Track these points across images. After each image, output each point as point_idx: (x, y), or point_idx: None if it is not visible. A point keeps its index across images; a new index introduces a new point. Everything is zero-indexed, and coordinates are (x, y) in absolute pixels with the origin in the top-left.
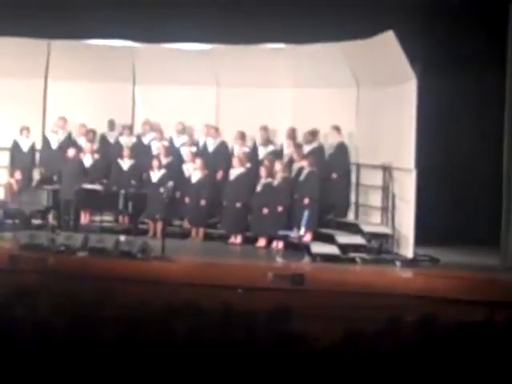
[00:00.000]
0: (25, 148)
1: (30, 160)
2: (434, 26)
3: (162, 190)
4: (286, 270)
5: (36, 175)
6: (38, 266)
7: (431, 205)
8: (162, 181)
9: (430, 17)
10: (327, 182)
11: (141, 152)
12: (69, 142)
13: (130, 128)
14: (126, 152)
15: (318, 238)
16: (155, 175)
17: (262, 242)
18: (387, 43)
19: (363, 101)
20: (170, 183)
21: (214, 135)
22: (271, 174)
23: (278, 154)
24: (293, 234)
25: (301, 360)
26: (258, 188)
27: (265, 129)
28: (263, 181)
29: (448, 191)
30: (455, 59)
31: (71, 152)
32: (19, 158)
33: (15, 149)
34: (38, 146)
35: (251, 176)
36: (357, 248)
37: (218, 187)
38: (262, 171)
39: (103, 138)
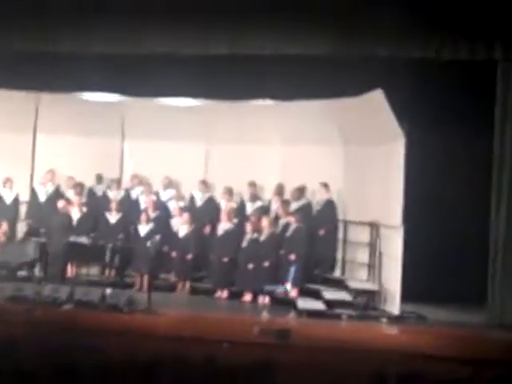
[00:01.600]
0: (8, 200)
1: (13, 212)
2: (422, 85)
3: (149, 243)
4: (271, 324)
5: (23, 227)
6: (24, 318)
7: (418, 262)
8: (150, 235)
9: (419, 76)
10: (314, 238)
11: (128, 206)
12: (57, 194)
13: (118, 182)
14: (113, 205)
15: (305, 293)
16: (143, 229)
17: (247, 297)
18: (375, 101)
19: (351, 158)
20: (157, 237)
21: (202, 190)
22: (258, 229)
23: (265, 210)
24: (279, 289)
25: None
26: (244, 243)
27: (252, 185)
28: (249, 236)
29: (435, 249)
30: (444, 119)
31: (61, 204)
32: (2, 210)
33: None
34: (23, 197)
35: (238, 231)
36: (343, 304)
37: (205, 241)
38: (249, 226)
39: (91, 192)
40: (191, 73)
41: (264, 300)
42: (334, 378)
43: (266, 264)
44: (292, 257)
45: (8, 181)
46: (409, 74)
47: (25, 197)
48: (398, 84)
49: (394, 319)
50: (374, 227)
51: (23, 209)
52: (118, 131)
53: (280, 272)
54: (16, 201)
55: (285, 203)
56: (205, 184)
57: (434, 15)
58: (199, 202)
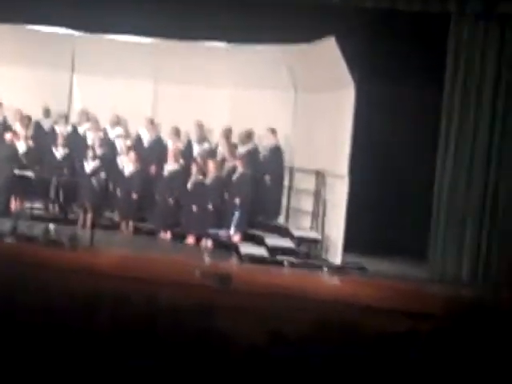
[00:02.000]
0: None
1: None
2: (375, 35)
3: (94, 180)
4: (213, 268)
5: None
6: None
7: (362, 213)
8: (95, 171)
9: (372, 25)
10: (260, 183)
11: (75, 141)
12: (4, 126)
13: (66, 117)
14: (60, 140)
15: (248, 238)
16: (88, 165)
17: (191, 239)
18: (328, 49)
19: (301, 105)
20: (103, 174)
21: (149, 129)
22: (203, 171)
23: (212, 153)
24: (222, 233)
25: (222, 358)
26: (189, 185)
27: (200, 126)
28: (194, 178)
29: (379, 201)
30: (394, 69)
31: (8, 136)
32: None
33: None
34: None
35: (184, 173)
36: (285, 251)
37: (150, 181)
38: (194, 168)
39: (38, 125)
40: (145, 10)
41: (207, 243)
42: (273, 324)
43: (211, 207)
44: (236, 201)
45: None
46: (362, 22)
47: None
48: (350, 32)
49: (335, 269)
50: (320, 175)
51: None
52: (67, 65)
53: (224, 216)
54: None
55: (232, 147)
56: (152, 123)
57: None
58: (146, 142)
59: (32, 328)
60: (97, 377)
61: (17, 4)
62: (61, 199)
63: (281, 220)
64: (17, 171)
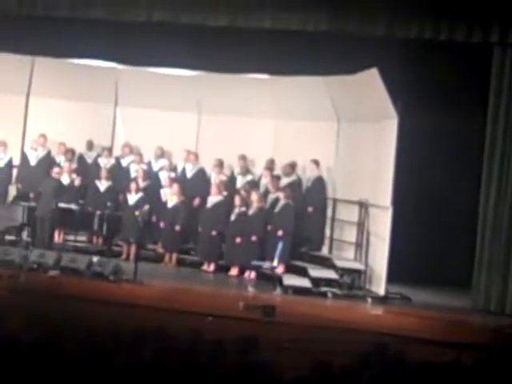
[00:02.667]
0: (1, 163)
1: (6, 175)
2: (417, 65)
3: (137, 213)
4: (257, 300)
5: (12, 191)
6: (10, 282)
7: (405, 243)
8: (139, 204)
9: (415, 56)
10: (303, 215)
11: (119, 174)
12: (48, 159)
13: (109, 150)
14: (103, 173)
15: (291, 270)
16: (132, 198)
17: (234, 271)
18: (370, 80)
19: (343, 135)
20: (146, 207)
21: (193, 161)
22: (247, 203)
23: (255, 184)
24: (266, 264)
25: None
26: (233, 217)
27: (243, 158)
28: (238, 210)
29: (423, 231)
30: (437, 99)
31: (56, 171)
32: None
33: None
34: (16, 161)
35: (228, 204)
36: (329, 282)
37: (194, 213)
38: (237, 200)
39: (81, 158)
40: (188, 43)
41: (250, 275)
42: (316, 356)
43: (254, 239)
44: (280, 233)
45: (2, 144)
46: (405, 53)
47: (16, 161)
48: (393, 63)
49: (379, 299)
50: (363, 206)
51: (14, 173)
52: (111, 98)
53: (267, 248)
54: (9, 164)
55: (275, 178)
56: (194, 155)
57: None
58: (189, 174)
59: (76, 361)
60: None
61: (59, 38)
62: (104, 232)
63: (324, 251)
64: (61, 204)
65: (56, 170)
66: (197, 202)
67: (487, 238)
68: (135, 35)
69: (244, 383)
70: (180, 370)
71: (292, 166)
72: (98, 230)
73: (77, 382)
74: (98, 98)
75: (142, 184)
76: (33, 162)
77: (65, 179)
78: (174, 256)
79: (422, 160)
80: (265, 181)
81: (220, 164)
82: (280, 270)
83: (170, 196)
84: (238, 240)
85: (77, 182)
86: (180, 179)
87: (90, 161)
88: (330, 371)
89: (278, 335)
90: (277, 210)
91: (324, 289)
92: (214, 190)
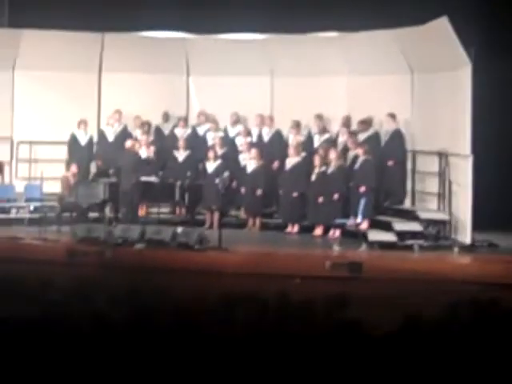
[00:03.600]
0: (83, 142)
1: (87, 153)
2: (488, 11)
3: (217, 180)
4: (343, 258)
5: (92, 168)
6: (96, 259)
7: (488, 190)
8: (218, 171)
9: (484, 1)
10: (383, 169)
11: (196, 143)
12: (125, 134)
13: (185, 119)
14: (181, 143)
15: (375, 225)
16: (211, 166)
17: (318, 231)
18: (441, 29)
19: (418, 87)
20: (226, 173)
21: (269, 125)
22: (326, 162)
23: (332, 143)
24: (349, 222)
25: (359, 348)
26: (313, 177)
27: (319, 117)
28: (317, 169)
29: (505, 176)
30: (509, 42)
31: (128, 144)
32: (77, 152)
33: (73, 142)
34: (94, 139)
35: (307, 165)
36: (414, 235)
37: (273, 177)
38: (316, 160)
39: (158, 130)
40: (255, 6)
41: (335, 233)
42: (407, 310)
43: (336, 197)
44: (362, 189)
45: (82, 122)
46: None
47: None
48: (464, 9)
49: (466, 248)
50: (443, 156)
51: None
52: (182, 68)
53: (350, 205)
54: (90, 142)
55: (352, 135)
56: (270, 118)
57: None
58: (266, 137)
59: (164, 331)
60: (232, 377)
61: (129, 12)
62: (186, 202)
63: (407, 204)
64: (141, 178)
65: (134, 144)
66: (276, 164)
67: None
68: (202, 3)
69: (334, 342)
70: (270, 332)
71: (368, 122)
72: (179, 200)
73: (169, 354)
74: (169, 68)
75: (219, 151)
76: (110, 138)
77: (143, 152)
78: (258, 220)
79: (500, 105)
80: (342, 138)
81: (296, 125)
82: (364, 226)
83: (249, 161)
84: (320, 199)
85: (155, 154)
86: (257, 143)
87: (166, 132)
88: (420, 324)
89: (366, 291)
90: (357, 166)
91: (410, 242)
92: (292, 151)
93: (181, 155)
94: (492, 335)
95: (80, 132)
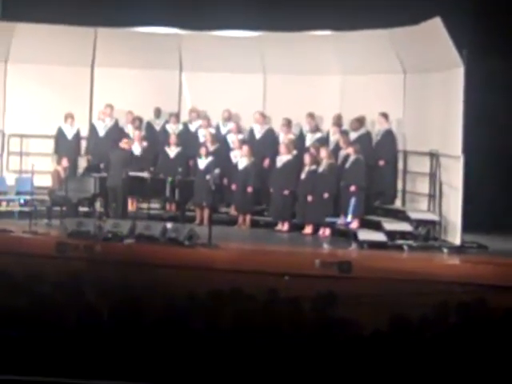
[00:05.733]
0: (69, 135)
1: (74, 147)
2: (481, 12)
3: (208, 177)
4: (333, 257)
5: (83, 163)
6: (85, 253)
7: (479, 191)
8: (209, 168)
9: (478, 2)
10: (374, 169)
11: (187, 139)
12: (116, 129)
13: (177, 115)
14: (172, 139)
15: (365, 225)
16: (202, 162)
17: (308, 230)
18: (434, 30)
19: (410, 87)
20: (217, 170)
21: (261, 122)
22: (316, 161)
23: (324, 141)
24: (339, 221)
25: (348, 347)
26: (303, 175)
27: (311, 116)
28: (308, 168)
29: (495, 178)
30: (502, 45)
31: (123, 141)
32: (64, 146)
33: (60, 136)
34: (83, 133)
35: (298, 163)
36: (404, 235)
37: (264, 174)
38: (307, 158)
39: (149, 126)
40: (250, 4)
41: (325, 232)
42: (395, 309)
43: (326, 196)
44: (352, 188)
45: (69, 116)
46: (467, 0)
47: (84, 132)
48: (456, 11)
49: (455, 249)
50: (434, 157)
51: (84, 144)
52: (175, 64)
53: (340, 204)
54: (77, 136)
55: (344, 134)
56: (263, 116)
57: None
58: (258, 135)
59: (153, 327)
60: (219, 373)
61: (122, 7)
62: (177, 197)
63: (397, 204)
64: (132, 173)
65: (124, 139)
66: (267, 162)
67: None
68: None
69: (323, 340)
70: (258, 329)
71: (360, 121)
72: (170, 196)
73: (156, 347)
74: (162, 64)
75: (211, 148)
76: (101, 132)
77: (135, 148)
78: (248, 218)
79: (492, 107)
80: (334, 137)
81: (288, 123)
82: (354, 225)
83: (240, 158)
84: (310, 198)
85: (146, 149)
86: (249, 141)
87: (158, 128)
88: (408, 324)
89: (355, 290)
90: (348, 165)
91: (399, 242)
92: (283, 149)
93: (172, 151)
94: (479, 336)
95: (66, 126)
